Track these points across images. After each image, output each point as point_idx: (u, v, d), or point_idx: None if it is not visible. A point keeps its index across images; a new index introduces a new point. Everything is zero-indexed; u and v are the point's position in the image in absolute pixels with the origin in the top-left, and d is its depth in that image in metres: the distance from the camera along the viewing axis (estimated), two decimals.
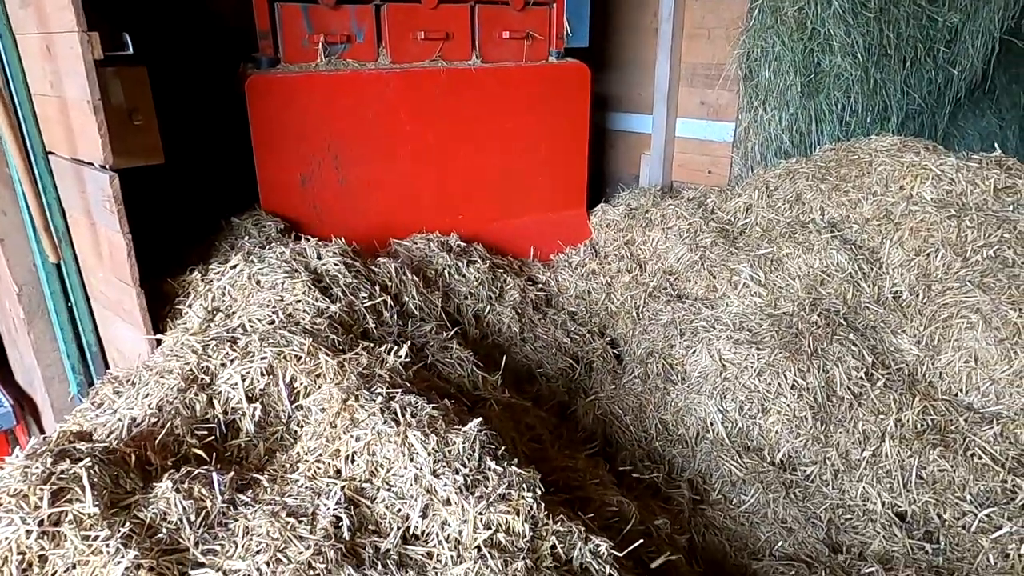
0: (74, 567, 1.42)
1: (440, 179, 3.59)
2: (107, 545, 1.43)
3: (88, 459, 1.58)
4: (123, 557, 1.41)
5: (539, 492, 1.72)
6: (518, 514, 1.63)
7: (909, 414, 2.59)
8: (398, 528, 1.62)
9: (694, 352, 2.99)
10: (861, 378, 2.72)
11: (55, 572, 1.42)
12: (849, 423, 2.62)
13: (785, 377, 2.69)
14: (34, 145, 2.41)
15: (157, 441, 1.80)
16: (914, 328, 2.91)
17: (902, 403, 2.63)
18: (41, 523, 1.45)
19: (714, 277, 3.37)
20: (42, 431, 2.99)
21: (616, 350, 3.40)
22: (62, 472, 1.53)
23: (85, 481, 1.52)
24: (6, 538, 1.42)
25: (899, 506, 2.41)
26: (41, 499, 1.48)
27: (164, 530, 1.53)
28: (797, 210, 3.56)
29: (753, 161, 4.15)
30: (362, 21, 3.21)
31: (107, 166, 2.18)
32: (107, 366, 2.68)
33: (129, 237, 2.23)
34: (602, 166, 5.11)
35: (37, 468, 1.53)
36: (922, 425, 2.57)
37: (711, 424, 2.73)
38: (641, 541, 1.88)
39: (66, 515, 1.47)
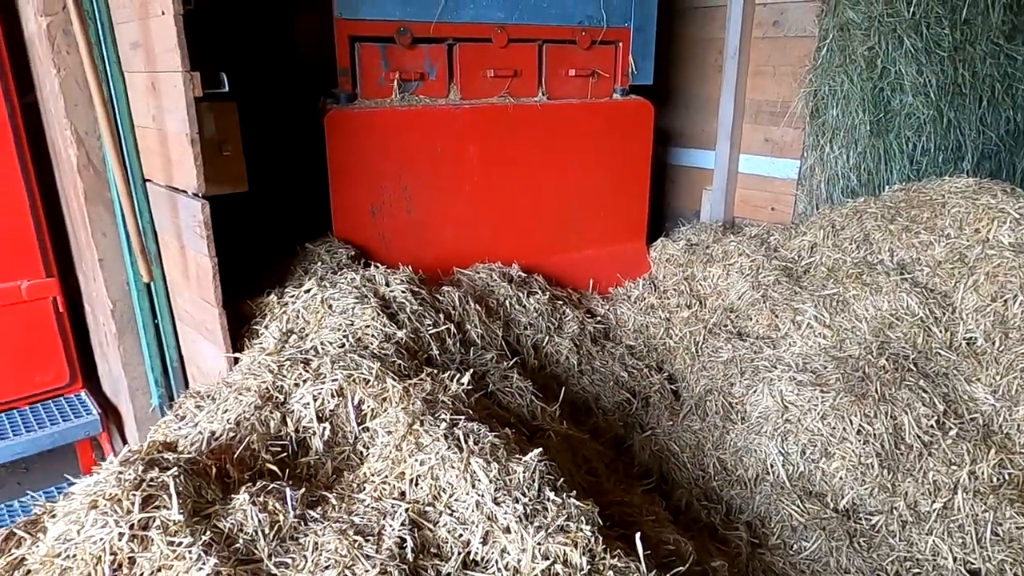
0: (159, 570, 1.51)
1: (503, 211, 3.68)
2: (189, 551, 1.52)
3: (175, 468, 1.69)
4: (204, 564, 1.50)
5: (597, 525, 1.73)
6: (576, 546, 1.65)
7: (984, 466, 2.48)
8: (459, 553, 1.66)
9: (755, 392, 2.95)
10: (932, 426, 2.63)
11: (142, 574, 1.52)
12: (918, 472, 2.54)
13: (850, 422, 2.63)
14: (134, 173, 2.62)
15: (235, 455, 1.90)
16: (990, 377, 2.80)
17: (976, 454, 2.53)
18: (132, 527, 1.55)
19: (776, 316, 3.33)
20: (124, 439, 3.17)
21: (674, 386, 3.38)
22: (151, 480, 1.64)
23: (172, 489, 1.62)
24: (101, 539, 1.53)
25: (972, 563, 2.30)
26: (133, 504, 1.58)
27: (241, 540, 1.62)
28: (865, 250, 3.49)
29: (819, 199, 4.09)
30: (435, 59, 3.36)
31: (199, 194, 2.35)
32: (186, 382, 2.84)
33: (215, 260, 2.38)
34: (663, 201, 5.12)
35: (130, 475, 1.64)
36: (998, 479, 2.47)
37: (771, 466, 2.69)
38: None
39: (154, 520, 1.57)
